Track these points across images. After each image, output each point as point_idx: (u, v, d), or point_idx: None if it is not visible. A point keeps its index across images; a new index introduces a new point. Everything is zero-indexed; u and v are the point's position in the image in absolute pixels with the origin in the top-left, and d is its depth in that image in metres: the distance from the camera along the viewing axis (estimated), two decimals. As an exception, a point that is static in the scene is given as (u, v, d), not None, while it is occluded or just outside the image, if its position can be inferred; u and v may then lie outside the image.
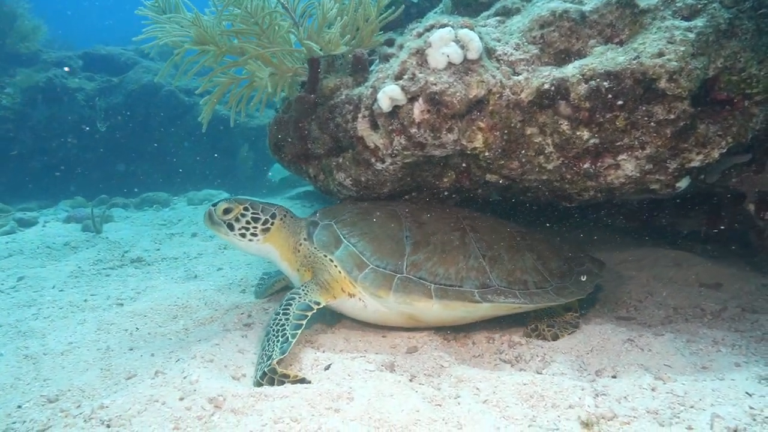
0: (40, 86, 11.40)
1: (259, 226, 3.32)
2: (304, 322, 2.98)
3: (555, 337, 3.14)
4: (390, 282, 3.02)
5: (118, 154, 11.90)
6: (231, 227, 3.29)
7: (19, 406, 2.51)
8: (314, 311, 3.06)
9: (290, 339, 2.85)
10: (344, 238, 3.22)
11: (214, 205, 3.33)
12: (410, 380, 2.63)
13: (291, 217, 3.46)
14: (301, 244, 3.39)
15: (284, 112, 4.03)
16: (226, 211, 3.29)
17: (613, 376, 2.59)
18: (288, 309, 3.02)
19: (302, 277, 3.39)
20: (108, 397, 2.47)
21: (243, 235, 3.30)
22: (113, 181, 11.64)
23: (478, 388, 2.49)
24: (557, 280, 3.34)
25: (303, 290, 3.16)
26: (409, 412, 2.20)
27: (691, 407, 2.18)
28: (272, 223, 3.35)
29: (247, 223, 3.30)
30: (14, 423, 2.34)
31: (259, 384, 2.61)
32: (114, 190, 10.96)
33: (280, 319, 2.97)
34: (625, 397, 2.31)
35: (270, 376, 2.60)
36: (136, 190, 11.21)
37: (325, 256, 3.22)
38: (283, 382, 2.56)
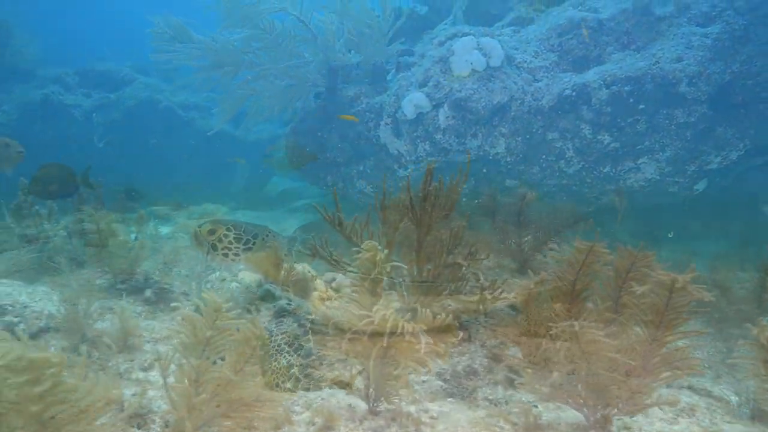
0: (36, 103, 11.37)
1: (241, 246, 3.44)
2: (308, 331, 3.07)
3: None
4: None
5: (115, 170, 11.85)
6: (214, 248, 3.42)
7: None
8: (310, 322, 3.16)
9: (305, 345, 2.91)
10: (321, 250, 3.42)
11: (200, 226, 3.48)
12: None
13: (273, 236, 3.64)
14: (282, 260, 3.50)
15: (301, 122, 4.08)
16: (211, 233, 3.40)
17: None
18: (282, 327, 3.09)
19: (285, 292, 3.50)
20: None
21: (226, 255, 3.41)
22: (112, 197, 11.58)
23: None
24: None
25: (290, 305, 3.27)
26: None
27: None
28: (254, 243, 3.49)
29: (230, 243, 3.42)
30: None
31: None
32: (112, 206, 10.91)
33: (283, 338, 3.04)
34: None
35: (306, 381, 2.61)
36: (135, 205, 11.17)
37: (304, 268, 3.39)
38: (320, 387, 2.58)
